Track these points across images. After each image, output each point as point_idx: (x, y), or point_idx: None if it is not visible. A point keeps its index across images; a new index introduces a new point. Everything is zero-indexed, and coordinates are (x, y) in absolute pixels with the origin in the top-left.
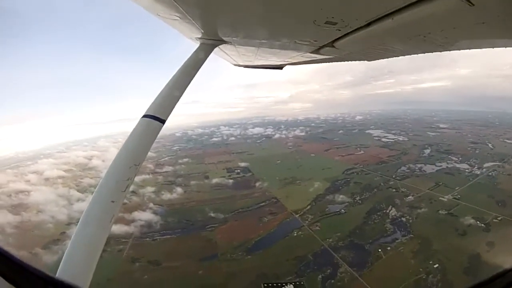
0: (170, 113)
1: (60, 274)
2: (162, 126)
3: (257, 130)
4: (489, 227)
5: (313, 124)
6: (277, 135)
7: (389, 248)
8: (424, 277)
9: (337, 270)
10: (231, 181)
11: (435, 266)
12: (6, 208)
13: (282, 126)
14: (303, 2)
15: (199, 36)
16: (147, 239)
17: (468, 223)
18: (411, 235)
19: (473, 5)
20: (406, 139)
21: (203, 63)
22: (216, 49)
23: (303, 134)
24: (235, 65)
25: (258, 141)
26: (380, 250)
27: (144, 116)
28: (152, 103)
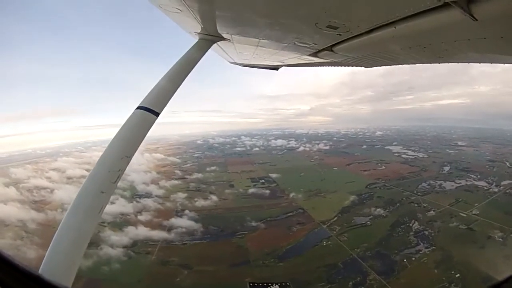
0: (164, 106)
1: (44, 266)
2: (156, 119)
3: (280, 142)
4: (506, 242)
5: (335, 138)
6: (301, 148)
7: (413, 258)
8: (446, 285)
9: (367, 277)
10: (256, 190)
11: (457, 276)
12: (28, 203)
13: (304, 139)
14: (306, 4)
15: (199, 31)
16: (176, 243)
17: (486, 238)
18: (434, 247)
19: (477, 20)
20: (426, 156)
21: (200, 58)
22: (214, 45)
23: (327, 147)
24: (232, 62)
25: (280, 152)
26: (405, 260)
27: (138, 107)
28: (147, 95)
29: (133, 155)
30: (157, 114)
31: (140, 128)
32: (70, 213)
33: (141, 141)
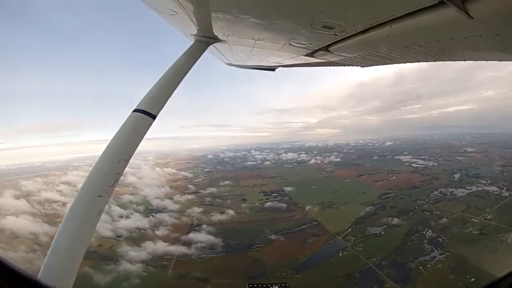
0: (161, 108)
1: (43, 271)
2: (153, 122)
3: (291, 155)
4: None
5: (345, 150)
6: (312, 161)
7: (429, 265)
8: None
9: (384, 286)
10: (270, 204)
11: (472, 280)
12: (40, 216)
13: (315, 152)
14: (302, 5)
15: (194, 32)
16: (193, 257)
17: (499, 241)
18: (448, 253)
19: (472, 18)
20: (436, 164)
21: (196, 60)
22: (210, 47)
23: (338, 160)
24: (228, 64)
25: (291, 166)
26: (421, 267)
27: (135, 110)
28: (144, 98)
29: (130, 158)
30: (153, 117)
31: (137, 130)
32: (68, 217)
33: (138, 144)
